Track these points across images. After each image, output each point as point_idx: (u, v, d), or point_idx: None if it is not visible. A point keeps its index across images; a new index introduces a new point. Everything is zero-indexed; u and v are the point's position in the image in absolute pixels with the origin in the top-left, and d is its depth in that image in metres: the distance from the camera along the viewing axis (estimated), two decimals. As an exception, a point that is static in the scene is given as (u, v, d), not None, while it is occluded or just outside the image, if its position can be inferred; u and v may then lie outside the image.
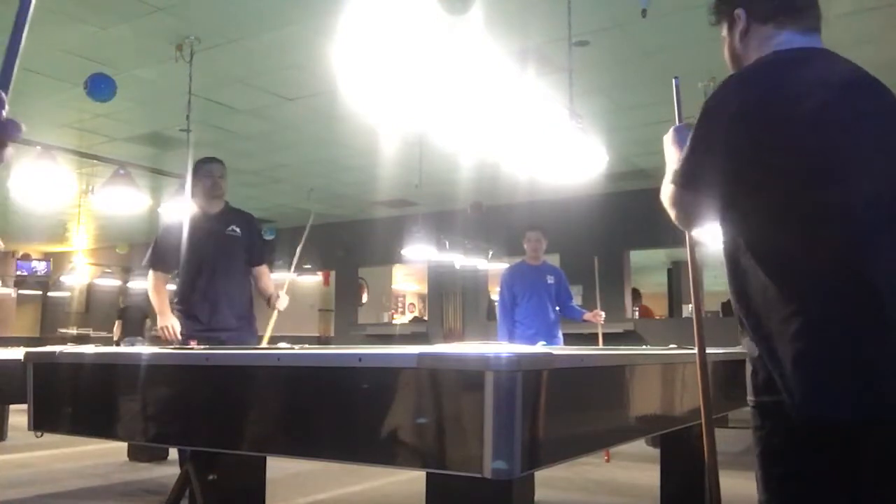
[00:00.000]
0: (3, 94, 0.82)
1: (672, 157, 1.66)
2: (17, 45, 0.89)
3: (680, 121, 1.97)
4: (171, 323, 3.82)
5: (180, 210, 4.19)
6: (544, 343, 4.87)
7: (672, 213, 1.56)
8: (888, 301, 1.30)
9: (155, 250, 4.02)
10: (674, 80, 2.08)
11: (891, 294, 1.30)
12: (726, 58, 1.68)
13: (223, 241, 3.93)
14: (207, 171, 3.96)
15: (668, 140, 1.74)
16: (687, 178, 1.48)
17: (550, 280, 5.49)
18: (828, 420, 1.30)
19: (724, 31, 1.66)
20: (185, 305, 3.89)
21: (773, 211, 1.39)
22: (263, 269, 4.09)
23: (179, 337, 3.78)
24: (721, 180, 1.43)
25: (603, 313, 5.63)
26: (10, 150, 0.81)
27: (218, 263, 3.88)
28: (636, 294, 10.25)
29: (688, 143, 1.50)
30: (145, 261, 4.03)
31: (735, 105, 1.42)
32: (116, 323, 11.16)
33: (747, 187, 1.41)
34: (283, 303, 4.02)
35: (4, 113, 0.82)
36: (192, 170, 4.03)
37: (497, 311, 5.82)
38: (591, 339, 8.58)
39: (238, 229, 3.98)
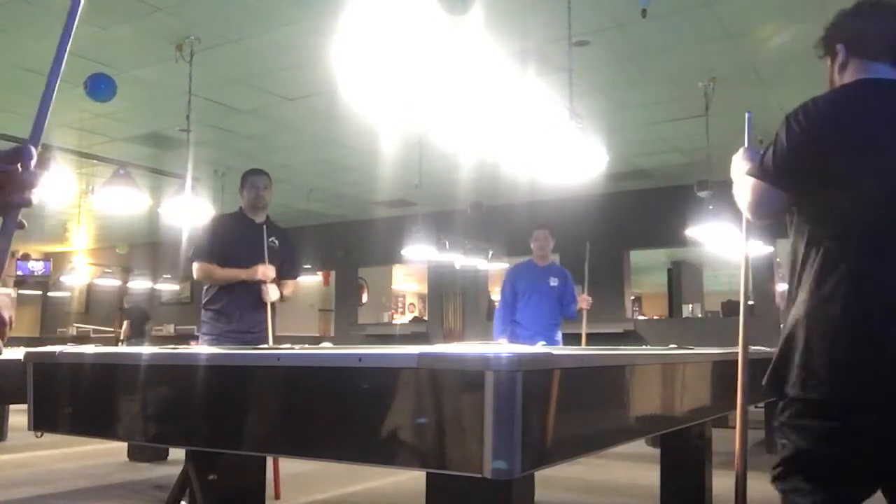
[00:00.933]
0: (33, 149, 0.94)
1: (741, 170, 1.88)
2: (48, 103, 0.99)
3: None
4: (260, 269, 3.93)
5: (214, 211, 4.40)
6: (544, 343, 4.86)
7: (745, 203, 1.79)
8: None
9: (201, 244, 4.06)
10: (746, 115, 2.29)
11: None
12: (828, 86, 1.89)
13: (262, 251, 4.07)
14: (252, 183, 4.12)
15: (739, 157, 1.94)
16: (766, 172, 1.71)
17: (554, 282, 5.45)
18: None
19: (829, 63, 1.89)
20: (218, 305, 3.98)
21: (836, 215, 1.64)
22: (290, 282, 4.25)
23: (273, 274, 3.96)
24: (795, 178, 1.68)
25: (589, 298, 5.56)
26: (36, 195, 0.95)
27: None
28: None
29: (772, 144, 1.72)
30: (192, 254, 4.06)
31: (817, 117, 1.66)
32: (125, 323, 11.22)
33: (818, 191, 1.65)
34: (272, 294, 4.06)
35: (33, 164, 0.94)
36: (240, 180, 4.20)
37: (497, 307, 5.81)
38: (590, 339, 8.58)
39: (277, 242, 4.15)
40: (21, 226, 0.97)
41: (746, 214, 1.84)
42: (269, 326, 4.03)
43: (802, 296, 1.65)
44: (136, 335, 11.05)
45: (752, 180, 1.76)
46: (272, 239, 4.12)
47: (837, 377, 1.56)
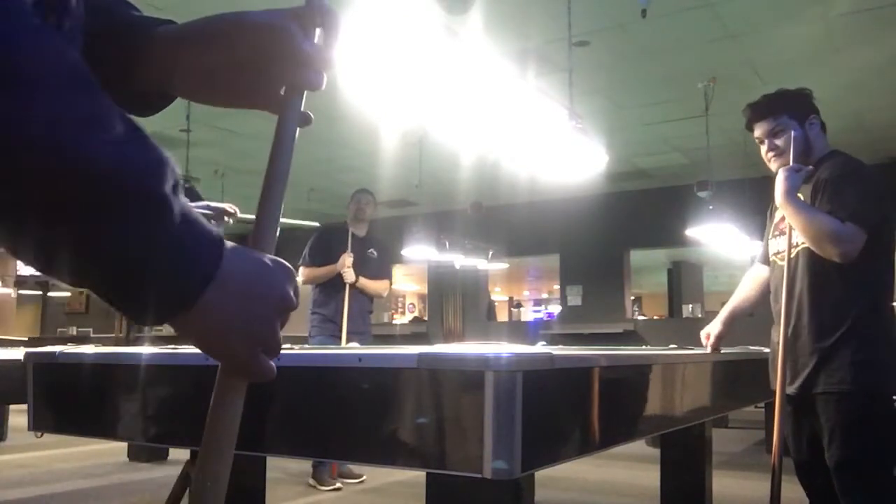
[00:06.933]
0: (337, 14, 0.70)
1: (784, 193, 2.15)
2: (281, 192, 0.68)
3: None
4: (347, 262, 4.40)
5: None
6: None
7: (844, 248, 2.02)
8: None
9: (311, 251, 4.53)
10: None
11: None
12: (793, 143, 2.23)
13: (364, 261, 4.54)
14: (356, 199, 4.67)
15: (788, 183, 2.17)
16: (869, 223, 2.02)
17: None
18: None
19: (790, 125, 2.25)
20: (326, 311, 4.46)
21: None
22: (383, 281, 4.73)
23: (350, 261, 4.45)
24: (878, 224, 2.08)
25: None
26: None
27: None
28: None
29: (862, 192, 2.07)
30: (302, 259, 4.49)
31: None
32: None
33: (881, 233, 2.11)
34: (349, 276, 4.45)
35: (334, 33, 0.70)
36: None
37: None
38: (590, 339, 8.59)
39: (375, 252, 4.66)
40: (307, 120, 0.69)
41: (832, 252, 2.03)
42: (344, 315, 4.39)
43: None
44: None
45: (856, 227, 2.01)
46: (371, 250, 4.60)
47: None
